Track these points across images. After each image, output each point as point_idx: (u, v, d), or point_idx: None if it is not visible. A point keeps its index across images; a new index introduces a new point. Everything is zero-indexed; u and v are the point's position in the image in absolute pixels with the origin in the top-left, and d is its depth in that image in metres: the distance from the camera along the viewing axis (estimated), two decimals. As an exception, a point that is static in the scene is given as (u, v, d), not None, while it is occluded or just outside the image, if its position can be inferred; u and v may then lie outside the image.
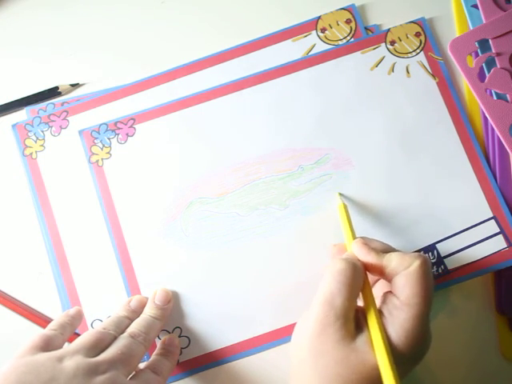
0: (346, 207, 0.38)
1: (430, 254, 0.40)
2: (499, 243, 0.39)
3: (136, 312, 0.38)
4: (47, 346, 0.33)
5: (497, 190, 0.40)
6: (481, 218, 0.40)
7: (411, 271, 0.30)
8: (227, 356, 0.39)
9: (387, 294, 0.31)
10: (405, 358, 0.29)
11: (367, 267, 0.33)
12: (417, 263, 0.30)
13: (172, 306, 0.40)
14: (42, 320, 0.40)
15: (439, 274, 0.39)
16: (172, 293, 0.40)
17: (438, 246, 0.40)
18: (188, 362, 0.40)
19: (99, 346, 0.33)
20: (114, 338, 0.34)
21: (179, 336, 0.40)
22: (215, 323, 0.40)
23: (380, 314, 0.30)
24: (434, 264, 0.39)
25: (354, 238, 0.35)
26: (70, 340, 0.36)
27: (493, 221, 0.40)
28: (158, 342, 0.39)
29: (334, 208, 0.40)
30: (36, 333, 0.34)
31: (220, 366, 0.40)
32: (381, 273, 0.32)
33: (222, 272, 0.40)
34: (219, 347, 0.39)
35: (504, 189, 0.40)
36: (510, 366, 0.39)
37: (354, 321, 0.30)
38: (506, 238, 0.39)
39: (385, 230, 0.40)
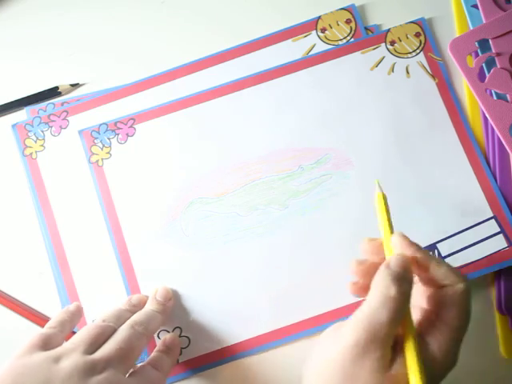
0: (385, 197, 0.33)
1: (431, 253, 0.40)
2: (499, 243, 0.39)
3: (137, 307, 0.38)
4: (46, 344, 0.33)
5: (497, 190, 0.40)
6: (481, 217, 0.40)
7: (459, 292, 0.29)
8: (227, 356, 0.39)
9: (425, 311, 0.30)
10: (436, 379, 0.28)
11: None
12: (464, 285, 0.29)
13: (172, 305, 0.40)
14: (42, 320, 0.40)
15: (439, 274, 0.39)
16: (173, 292, 0.40)
17: (438, 245, 0.40)
18: (188, 362, 0.39)
19: (99, 340, 0.33)
20: (114, 330, 0.34)
21: (179, 336, 0.40)
22: (215, 323, 0.40)
23: (421, 336, 0.29)
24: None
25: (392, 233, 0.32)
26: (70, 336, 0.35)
27: (493, 220, 0.40)
28: (159, 341, 0.39)
29: (334, 208, 0.40)
30: (35, 331, 0.34)
31: (220, 366, 0.39)
32: (423, 273, 0.30)
33: (222, 272, 0.40)
34: (219, 347, 0.39)
35: (504, 189, 0.40)
36: (510, 366, 0.39)
37: (390, 349, 0.28)
38: (507, 238, 0.39)
39: (385, 229, 0.40)
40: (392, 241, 0.32)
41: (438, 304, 0.30)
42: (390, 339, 0.27)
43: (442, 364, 0.28)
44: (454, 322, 0.29)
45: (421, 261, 0.30)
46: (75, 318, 0.38)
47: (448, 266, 0.30)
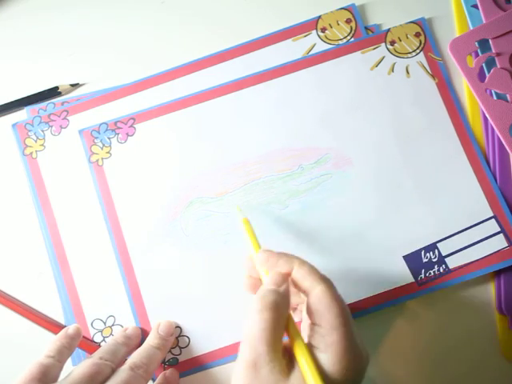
0: (248, 221, 0.37)
1: (432, 253, 0.40)
2: (500, 242, 0.39)
3: (132, 339, 0.38)
4: (44, 377, 0.33)
5: (497, 190, 0.40)
6: (481, 217, 0.40)
7: (320, 295, 0.30)
8: (227, 355, 0.39)
9: (311, 325, 0.30)
10: (346, 382, 0.28)
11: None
12: (322, 286, 0.30)
13: (174, 339, 0.39)
14: (42, 320, 0.40)
15: (441, 274, 0.39)
16: (176, 327, 0.40)
17: (438, 245, 0.40)
18: (188, 362, 0.39)
19: (96, 379, 0.33)
20: (111, 370, 0.34)
21: (179, 336, 0.40)
22: (215, 323, 0.40)
23: (310, 346, 0.29)
24: (435, 263, 0.39)
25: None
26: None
27: (493, 220, 0.40)
28: (159, 375, 0.39)
29: (334, 207, 0.40)
30: (33, 362, 0.34)
31: (220, 366, 0.40)
32: (293, 282, 0.32)
33: (221, 271, 0.40)
34: (219, 347, 0.39)
35: (504, 188, 0.40)
36: (510, 366, 0.39)
37: (284, 359, 0.29)
38: (507, 237, 0.39)
39: (385, 229, 0.40)
40: (256, 259, 0.33)
41: (311, 312, 0.30)
42: (274, 353, 0.28)
43: (342, 366, 0.28)
44: (333, 323, 0.29)
45: (283, 268, 0.32)
46: (74, 343, 0.38)
47: (308, 269, 0.31)
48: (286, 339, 0.30)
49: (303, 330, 0.32)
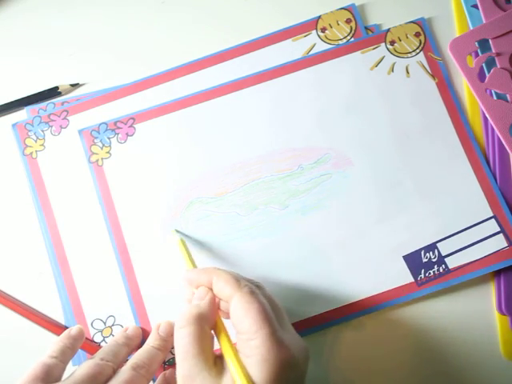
0: (184, 242, 0.39)
1: (431, 253, 0.40)
2: (499, 242, 0.39)
3: (132, 340, 0.39)
4: (48, 376, 0.33)
5: (497, 190, 0.40)
6: (481, 217, 0.40)
7: (236, 304, 0.31)
8: (227, 356, 0.39)
9: (236, 334, 0.31)
10: (279, 381, 0.29)
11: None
12: (237, 296, 0.31)
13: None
14: (42, 320, 0.40)
15: (440, 274, 0.39)
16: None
17: (438, 245, 0.40)
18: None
19: (98, 380, 0.33)
20: (113, 370, 0.34)
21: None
22: (215, 323, 0.40)
23: (238, 352, 0.30)
24: (435, 263, 0.39)
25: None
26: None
27: (493, 220, 0.40)
28: (159, 375, 0.39)
29: (334, 207, 0.40)
30: (36, 361, 0.34)
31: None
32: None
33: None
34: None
35: (504, 188, 0.40)
36: (510, 366, 0.39)
37: (217, 366, 0.30)
38: (507, 237, 0.39)
39: (385, 229, 0.40)
40: (182, 280, 0.35)
41: (233, 321, 0.31)
42: (204, 363, 0.29)
43: (270, 366, 0.28)
44: (251, 329, 0.29)
45: (205, 282, 0.33)
46: (77, 344, 0.38)
47: (224, 279, 0.32)
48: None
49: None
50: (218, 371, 0.30)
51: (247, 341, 0.29)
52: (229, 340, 0.31)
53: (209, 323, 0.32)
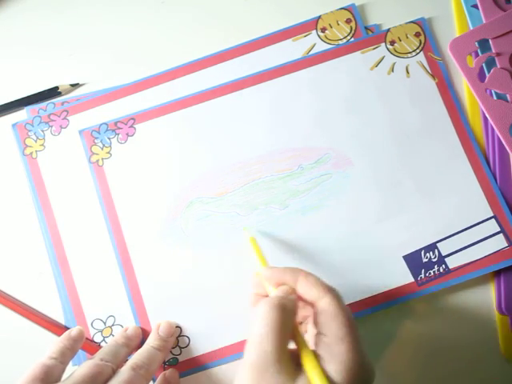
0: (255, 239, 0.38)
1: (431, 253, 0.40)
2: (499, 242, 0.39)
3: (132, 340, 0.39)
4: (47, 377, 0.33)
5: (497, 190, 0.40)
6: (481, 217, 0.40)
7: (327, 305, 0.30)
8: (227, 355, 0.39)
9: (317, 336, 0.30)
10: None
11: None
12: (328, 297, 0.30)
13: (174, 340, 0.40)
14: (42, 320, 0.40)
15: (440, 274, 0.39)
16: (176, 326, 0.40)
17: (438, 245, 0.40)
18: (188, 362, 0.40)
19: (98, 380, 0.33)
20: (112, 371, 0.34)
21: (179, 336, 0.40)
22: (215, 323, 0.40)
23: (316, 355, 0.29)
24: (435, 263, 0.39)
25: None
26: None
27: (493, 220, 0.40)
28: (159, 375, 0.39)
29: (334, 207, 0.40)
30: (36, 362, 0.34)
31: (220, 366, 0.40)
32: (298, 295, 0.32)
33: (221, 271, 0.40)
34: (219, 347, 0.39)
35: (504, 188, 0.40)
36: (510, 366, 0.39)
37: (291, 364, 0.29)
38: (507, 237, 0.39)
39: (385, 229, 0.40)
40: (263, 274, 0.34)
41: (317, 322, 0.30)
42: (280, 355, 0.28)
43: (348, 376, 0.28)
44: (339, 333, 0.29)
45: (289, 281, 0.32)
46: (77, 345, 0.38)
47: (313, 280, 0.32)
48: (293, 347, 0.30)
49: (308, 342, 0.32)
50: (292, 369, 0.28)
51: (332, 345, 0.29)
52: (306, 343, 0.30)
53: (293, 317, 0.30)
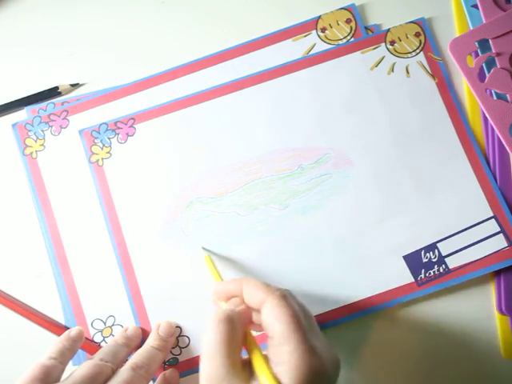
0: (210, 258, 0.39)
1: (432, 253, 0.40)
2: (499, 242, 0.39)
3: (132, 340, 0.39)
4: (46, 377, 0.33)
5: (497, 190, 0.40)
6: (481, 217, 0.40)
7: (269, 308, 0.30)
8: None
9: (267, 340, 0.30)
10: None
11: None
12: (269, 300, 0.30)
13: (174, 340, 0.40)
14: (42, 320, 0.40)
15: (440, 274, 0.39)
16: (176, 326, 0.40)
17: (438, 245, 0.40)
18: (188, 362, 0.40)
19: (97, 380, 0.33)
20: (112, 371, 0.34)
21: (179, 336, 0.40)
22: (215, 323, 0.40)
23: (267, 359, 0.29)
24: (435, 263, 0.39)
25: None
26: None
27: (493, 220, 0.40)
28: (159, 375, 0.39)
29: (334, 207, 0.40)
30: (35, 362, 0.34)
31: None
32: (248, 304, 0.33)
33: (221, 271, 0.40)
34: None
35: (504, 188, 0.40)
36: (510, 366, 0.39)
37: (244, 371, 0.29)
38: (507, 237, 0.39)
39: (385, 229, 0.40)
40: (212, 292, 0.35)
41: (264, 326, 0.30)
42: (231, 366, 0.28)
43: (299, 375, 0.27)
44: (279, 335, 0.29)
45: (235, 292, 0.33)
46: (76, 345, 0.38)
47: (254, 285, 0.32)
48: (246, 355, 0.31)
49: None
50: (245, 377, 0.29)
51: (278, 346, 0.29)
52: (258, 348, 0.30)
53: (241, 328, 0.31)
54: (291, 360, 0.28)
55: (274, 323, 0.29)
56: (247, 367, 0.30)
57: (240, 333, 0.30)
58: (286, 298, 0.31)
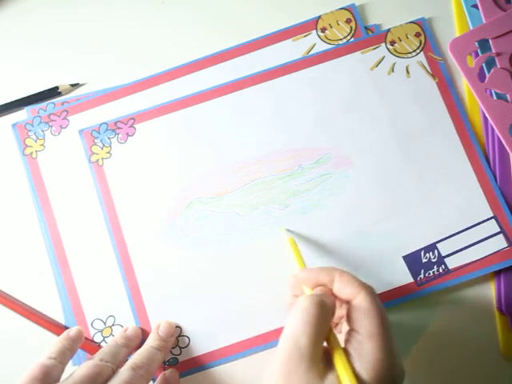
0: (294, 241, 0.38)
1: (431, 253, 0.40)
2: (499, 243, 0.39)
3: (132, 340, 0.39)
4: (46, 377, 0.33)
5: (497, 190, 0.40)
6: (481, 217, 0.40)
7: (361, 301, 0.30)
8: (227, 355, 0.39)
9: (349, 332, 0.30)
10: None
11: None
12: (364, 293, 0.30)
13: (174, 340, 0.40)
14: (42, 320, 0.40)
15: (440, 274, 0.39)
16: (176, 326, 0.40)
17: (438, 245, 0.40)
18: (188, 362, 0.40)
19: (97, 380, 0.33)
20: (112, 371, 0.34)
21: (179, 336, 0.40)
22: (215, 323, 0.40)
23: (346, 352, 0.29)
24: (434, 263, 0.39)
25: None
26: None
27: (493, 220, 0.40)
28: (159, 375, 0.39)
29: (334, 207, 0.40)
30: (35, 362, 0.34)
31: (220, 366, 0.40)
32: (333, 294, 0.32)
33: (221, 271, 0.40)
34: (219, 347, 0.39)
35: (504, 188, 0.40)
36: (510, 366, 0.39)
37: (322, 362, 0.29)
38: (507, 238, 0.39)
39: (385, 230, 0.40)
40: (299, 277, 0.34)
41: (350, 318, 0.30)
42: (313, 351, 0.28)
43: (376, 375, 0.28)
44: (372, 330, 0.29)
45: (325, 281, 0.32)
46: (76, 345, 0.38)
47: (348, 278, 0.32)
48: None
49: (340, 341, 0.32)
50: (323, 367, 0.28)
51: (361, 342, 0.29)
52: (338, 341, 0.30)
53: (330, 316, 0.30)
54: (372, 359, 0.28)
55: (363, 318, 0.29)
56: (325, 357, 0.29)
57: (328, 321, 0.30)
58: (377, 296, 0.31)
